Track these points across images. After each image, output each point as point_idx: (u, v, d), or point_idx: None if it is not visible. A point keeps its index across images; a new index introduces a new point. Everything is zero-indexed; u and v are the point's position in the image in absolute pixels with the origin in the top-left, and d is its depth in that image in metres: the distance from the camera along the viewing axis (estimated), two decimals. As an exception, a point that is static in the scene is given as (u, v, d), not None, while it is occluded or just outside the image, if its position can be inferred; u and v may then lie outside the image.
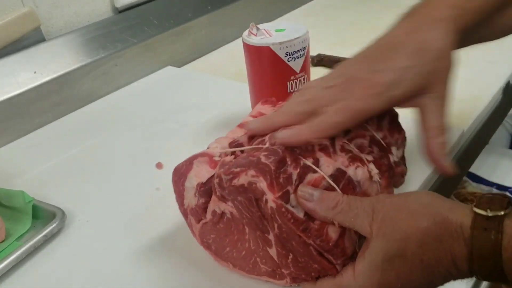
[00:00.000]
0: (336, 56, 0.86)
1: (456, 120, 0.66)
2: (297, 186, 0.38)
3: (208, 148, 0.46)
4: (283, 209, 0.37)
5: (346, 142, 0.42)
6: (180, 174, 0.44)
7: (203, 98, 0.80)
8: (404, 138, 0.48)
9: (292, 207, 0.38)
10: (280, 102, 0.52)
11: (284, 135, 0.40)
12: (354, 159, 0.42)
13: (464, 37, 0.43)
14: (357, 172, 0.41)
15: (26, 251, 0.49)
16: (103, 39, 0.84)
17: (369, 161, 0.42)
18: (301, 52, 0.61)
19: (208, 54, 0.98)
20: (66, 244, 0.52)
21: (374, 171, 0.42)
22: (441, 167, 0.41)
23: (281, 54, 0.60)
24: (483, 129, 0.70)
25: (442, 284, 0.36)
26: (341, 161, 0.41)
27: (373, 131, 0.45)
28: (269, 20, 1.06)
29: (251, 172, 0.37)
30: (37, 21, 0.76)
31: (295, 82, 0.62)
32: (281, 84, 0.62)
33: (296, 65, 0.61)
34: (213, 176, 0.41)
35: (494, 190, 1.37)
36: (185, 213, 0.45)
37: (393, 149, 0.46)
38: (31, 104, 0.75)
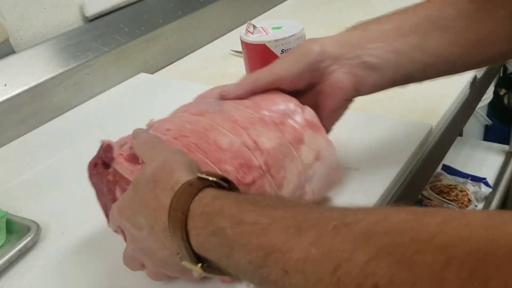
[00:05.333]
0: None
1: (424, 116, 0.68)
2: None
3: None
4: None
5: None
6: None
7: (177, 104, 0.80)
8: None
9: None
10: None
11: None
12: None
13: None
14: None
15: (0, 266, 0.49)
16: (74, 49, 0.83)
17: None
18: None
19: (180, 60, 0.99)
20: (42, 258, 0.52)
21: None
22: None
23: (277, 52, 0.62)
24: (452, 124, 0.72)
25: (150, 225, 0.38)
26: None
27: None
28: (239, 24, 1.07)
29: None
30: (5, 34, 0.76)
31: None
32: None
33: None
34: None
35: (469, 182, 1.39)
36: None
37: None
38: (3, 117, 0.74)
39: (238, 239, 0.32)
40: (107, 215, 0.49)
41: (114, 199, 0.45)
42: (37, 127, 0.78)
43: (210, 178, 0.37)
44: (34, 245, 0.52)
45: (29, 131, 0.77)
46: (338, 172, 0.50)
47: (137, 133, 0.47)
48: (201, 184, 0.36)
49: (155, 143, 0.43)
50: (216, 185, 0.37)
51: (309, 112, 0.48)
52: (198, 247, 0.35)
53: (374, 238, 0.27)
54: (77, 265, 0.50)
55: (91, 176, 0.48)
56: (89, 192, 0.61)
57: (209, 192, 0.36)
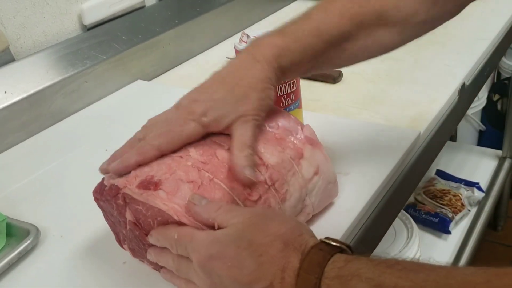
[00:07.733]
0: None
1: (413, 122, 0.70)
2: None
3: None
4: None
5: None
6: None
7: (173, 111, 0.82)
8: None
9: None
10: None
11: (114, 166, 0.47)
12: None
13: (294, 69, 0.50)
14: None
15: (0, 269, 0.50)
16: (72, 57, 0.85)
17: None
18: None
19: (177, 67, 1.00)
20: (41, 261, 0.53)
21: None
22: (240, 178, 0.44)
23: None
24: (440, 129, 0.73)
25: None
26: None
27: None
28: (235, 32, 1.09)
29: None
30: (6, 42, 0.78)
31: (284, 86, 0.64)
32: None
33: None
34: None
35: (463, 186, 1.41)
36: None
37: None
38: (3, 124, 0.76)
39: None
40: (115, 233, 0.51)
41: (125, 222, 0.46)
42: (36, 133, 0.80)
43: (338, 245, 0.37)
44: (33, 248, 0.54)
45: (29, 137, 0.79)
46: (335, 186, 0.52)
47: (198, 199, 0.43)
48: (331, 249, 0.37)
49: (231, 207, 0.42)
50: (341, 251, 0.37)
51: (308, 129, 0.50)
52: None
53: None
54: (76, 268, 0.52)
55: (97, 200, 0.49)
56: (88, 197, 0.62)
57: (341, 257, 0.36)
